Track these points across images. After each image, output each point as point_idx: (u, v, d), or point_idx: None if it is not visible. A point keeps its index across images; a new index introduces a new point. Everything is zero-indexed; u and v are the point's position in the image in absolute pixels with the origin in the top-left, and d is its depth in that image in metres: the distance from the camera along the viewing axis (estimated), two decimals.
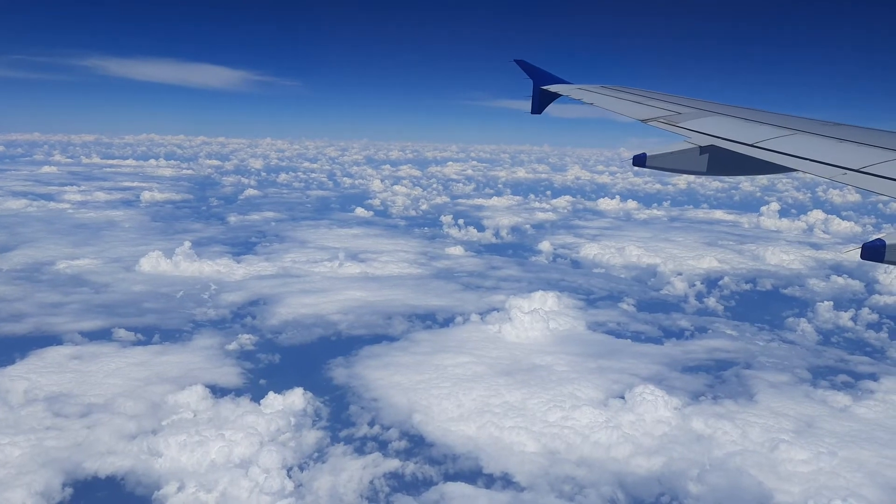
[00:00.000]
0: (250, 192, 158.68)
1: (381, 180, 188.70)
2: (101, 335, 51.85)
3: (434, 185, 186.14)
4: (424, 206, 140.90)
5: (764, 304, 71.31)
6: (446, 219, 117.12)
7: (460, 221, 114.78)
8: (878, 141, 7.57)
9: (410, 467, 34.68)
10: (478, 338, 53.36)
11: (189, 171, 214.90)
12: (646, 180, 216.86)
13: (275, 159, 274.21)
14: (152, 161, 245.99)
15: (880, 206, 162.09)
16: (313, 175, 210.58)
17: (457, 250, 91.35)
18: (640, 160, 7.82)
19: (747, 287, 77.69)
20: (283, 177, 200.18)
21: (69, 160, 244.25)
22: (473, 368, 46.31)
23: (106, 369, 44.20)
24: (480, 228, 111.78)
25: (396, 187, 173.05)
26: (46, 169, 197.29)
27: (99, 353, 47.49)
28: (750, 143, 7.99)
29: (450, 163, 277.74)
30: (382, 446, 36.53)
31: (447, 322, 58.54)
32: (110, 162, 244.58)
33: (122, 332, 52.30)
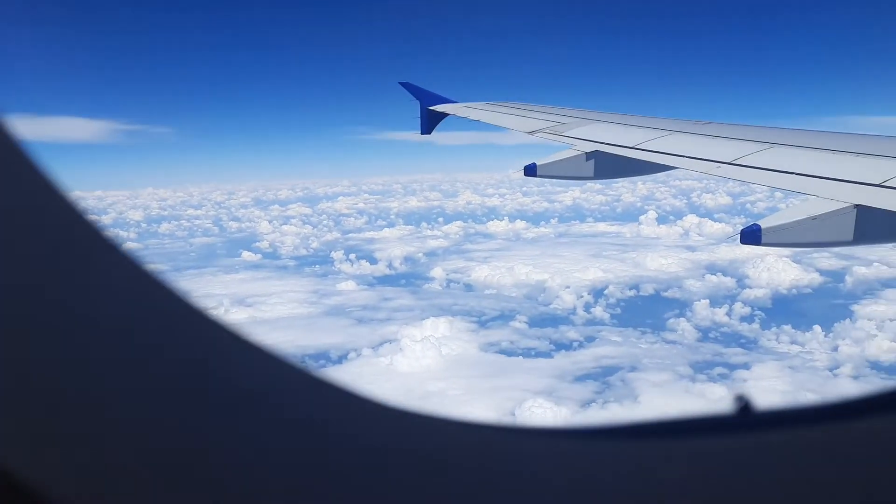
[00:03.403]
0: (129, 245, 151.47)
1: (270, 221, 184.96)
2: None
3: (325, 222, 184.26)
4: (315, 244, 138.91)
5: (647, 308, 74.32)
6: (337, 254, 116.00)
7: (352, 256, 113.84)
8: (747, 135, 8.11)
9: None
10: (370, 372, 52.77)
11: None
12: (534, 199, 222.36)
13: (156, 209, 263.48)
14: None
15: (748, 206, 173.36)
16: (197, 222, 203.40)
17: (349, 285, 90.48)
18: (531, 170, 8.06)
19: (631, 293, 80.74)
20: (164, 226, 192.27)
21: None
22: None
23: None
24: (373, 261, 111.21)
25: (285, 227, 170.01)
26: None
27: None
28: (631, 145, 8.30)
29: (341, 197, 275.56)
30: None
31: (341, 359, 57.63)
32: None
33: None
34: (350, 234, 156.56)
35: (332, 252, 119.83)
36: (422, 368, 52.40)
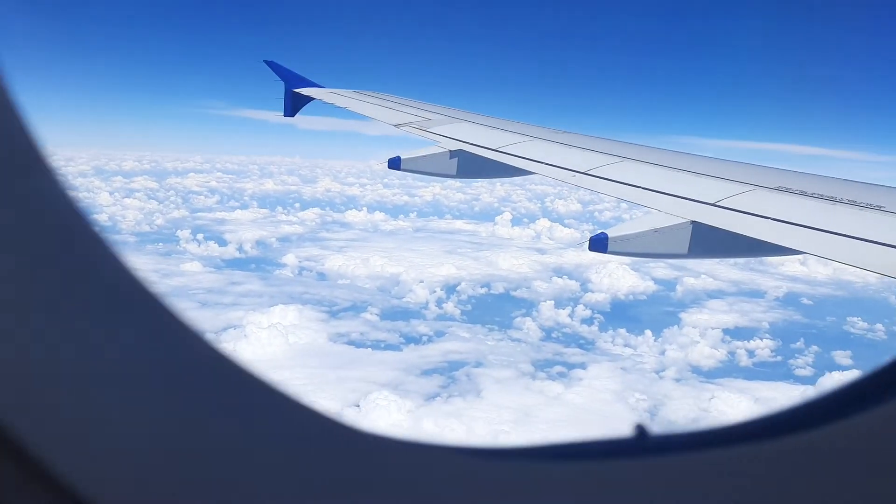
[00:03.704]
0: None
1: (111, 193, 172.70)
2: None
3: (172, 198, 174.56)
4: (160, 221, 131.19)
5: (496, 306, 76.53)
6: (184, 234, 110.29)
7: (200, 236, 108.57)
8: (601, 148, 8.44)
9: None
10: None
11: None
12: (394, 192, 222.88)
13: None
14: None
15: (596, 214, 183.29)
16: None
17: (194, 266, 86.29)
18: (395, 163, 8.12)
19: (482, 291, 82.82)
20: None
21: None
22: None
23: None
24: (222, 243, 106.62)
25: (128, 200, 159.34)
26: None
27: None
28: (494, 147, 8.31)
29: (192, 174, 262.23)
30: None
31: None
32: None
33: None
34: (199, 213, 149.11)
35: (179, 230, 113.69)
36: (266, 356, 50.83)
